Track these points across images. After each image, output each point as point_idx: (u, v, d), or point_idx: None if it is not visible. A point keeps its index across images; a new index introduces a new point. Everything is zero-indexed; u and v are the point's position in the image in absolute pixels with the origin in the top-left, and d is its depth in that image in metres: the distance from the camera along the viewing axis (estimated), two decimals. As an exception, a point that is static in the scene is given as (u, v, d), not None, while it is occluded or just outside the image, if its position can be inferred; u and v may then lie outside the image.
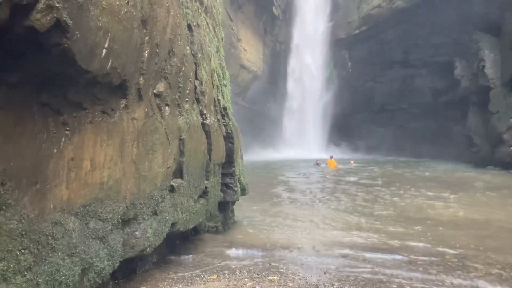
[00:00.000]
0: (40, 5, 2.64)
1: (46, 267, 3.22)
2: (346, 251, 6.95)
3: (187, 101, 6.12)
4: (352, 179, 19.26)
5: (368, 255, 6.68)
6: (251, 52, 39.44)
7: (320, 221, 9.68)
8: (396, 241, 7.67)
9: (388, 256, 6.60)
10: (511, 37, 23.58)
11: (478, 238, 7.86)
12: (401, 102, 40.64)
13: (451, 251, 6.88)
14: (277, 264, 6.06)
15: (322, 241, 7.75)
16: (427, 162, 30.43)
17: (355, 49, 43.30)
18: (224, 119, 8.19)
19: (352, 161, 28.86)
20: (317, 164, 27.35)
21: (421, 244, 7.38)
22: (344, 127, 44.39)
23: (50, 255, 3.27)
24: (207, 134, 6.88)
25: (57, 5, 2.76)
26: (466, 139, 28.63)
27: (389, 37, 39.40)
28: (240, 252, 6.73)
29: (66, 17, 2.86)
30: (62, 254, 3.40)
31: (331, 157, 28.02)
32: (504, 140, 23.23)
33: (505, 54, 24.47)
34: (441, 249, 7.04)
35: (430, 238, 7.89)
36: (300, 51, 46.53)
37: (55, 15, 2.76)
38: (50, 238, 3.30)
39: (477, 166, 25.19)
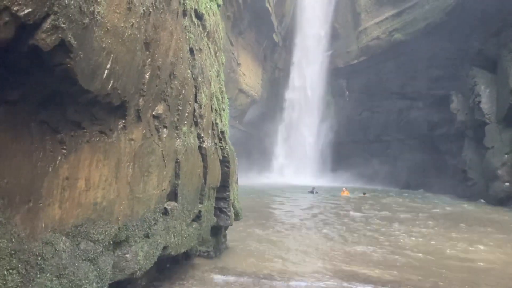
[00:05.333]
0: (46, 25, 2.66)
1: (33, 288, 3.14)
2: (340, 283, 6.86)
3: (185, 123, 6.12)
4: (350, 209, 19.17)
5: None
6: (250, 77, 39.76)
7: (313, 250, 9.58)
8: (390, 274, 7.58)
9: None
10: (506, 74, 23.90)
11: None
12: (397, 133, 40.80)
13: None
14: (268, 293, 5.96)
15: (315, 271, 7.65)
16: (421, 195, 30.41)
17: (353, 79, 43.75)
18: (221, 143, 8.18)
19: (364, 193, 28.06)
20: (312, 192, 27.26)
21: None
22: (339, 155, 44.41)
23: (38, 276, 3.20)
24: (204, 157, 6.86)
25: (63, 25, 2.77)
26: (461, 173, 28.66)
27: (387, 68, 39.87)
28: (231, 279, 6.62)
29: (70, 38, 2.88)
30: (50, 275, 3.33)
31: (345, 188, 28.91)
32: (498, 176, 23.27)
33: (501, 90, 24.76)
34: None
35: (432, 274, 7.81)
36: (299, 78, 46.98)
37: (60, 35, 2.77)
38: (39, 258, 3.23)
39: (471, 200, 25.17)
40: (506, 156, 23.35)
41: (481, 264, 8.72)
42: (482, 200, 24.18)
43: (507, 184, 22.90)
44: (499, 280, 7.43)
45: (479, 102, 26.32)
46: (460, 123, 30.00)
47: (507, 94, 23.60)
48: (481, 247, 10.45)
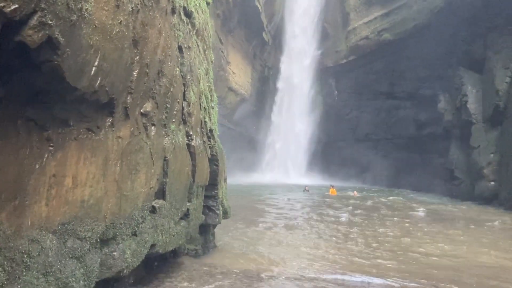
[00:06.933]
0: (33, 22, 2.65)
1: (19, 286, 3.12)
2: (328, 281, 6.92)
3: (173, 121, 6.11)
4: (338, 207, 19.28)
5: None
6: (240, 75, 39.74)
7: (301, 249, 9.63)
8: (377, 270, 7.66)
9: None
10: (493, 74, 24.22)
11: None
12: (385, 133, 41.12)
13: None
14: (255, 291, 5.99)
15: (302, 269, 7.69)
16: (408, 194, 30.67)
17: (342, 78, 43.96)
18: (210, 141, 8.18)
19: (355, 191, 28.37)
20: (306, 190, 27.40)
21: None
22: (328, 154, 44.64)
23: (24, 273, 3.19)
24: (192, 155, 6.86)
25: (50, 22, 2.76)
26: (447, 172, 28.97)
27: (376, 68, 40.15)
28: (219, 277, 6.63)
29: (58, 35, 2.87)
30: (36, 273, 3.31)
31: (332, 186, 28.52)
32: (484, 175, 23.58)
33: (487, 90, 25.09)
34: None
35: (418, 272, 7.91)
36: (288, 77, 47.06)
37: (47, 32, 2.76)
38: (25, 256, 3.22)
39: (457, 199, 25.46)
40: (492, 155, 23.66)
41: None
42: (468, 202, 24.29)
43: (492, 183, 23.21)
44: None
45: (466, 102, 26.63)
46: (447, 122, 30.31)
47: (493, 95, 23.92)
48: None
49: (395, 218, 15.37)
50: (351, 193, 27.23)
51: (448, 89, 30.76)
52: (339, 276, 7.15)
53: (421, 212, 17.88)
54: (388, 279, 7.07)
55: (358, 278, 7.12)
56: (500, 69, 23.81)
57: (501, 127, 23.47)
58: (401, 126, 39.30)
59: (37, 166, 3.36)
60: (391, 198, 25.18)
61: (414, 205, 21.06)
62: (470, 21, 27.29)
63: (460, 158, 27.49)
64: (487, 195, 23.18)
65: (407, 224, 13.92)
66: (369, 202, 21.79)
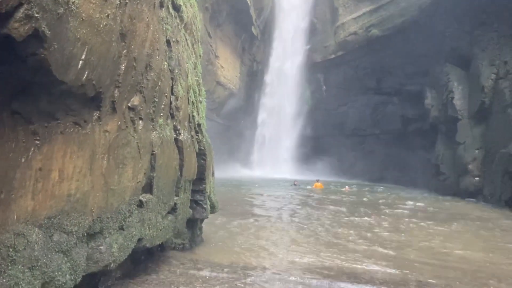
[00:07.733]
0: (19, 15, 2.63)
1: (4, 280, 3.11)
2: (315, 276, 6.97)
3: (161, 116, 6.10)
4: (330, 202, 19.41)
5: (338, 283, 6.72)
6: (228, 70, 39.66)
7: (289, 243, 9.69)
8: (366, 268, 7.75)
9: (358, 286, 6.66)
10: (478, 71, 24.49)
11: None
12: (373, 128, 41.40)
13: (413, 277, 7.00)
14: (243, 286, 6.03)
15: (289, 264, 7.75)
16: (394, 188, 30.97)
17: (330, 73, 44.09)
18: (198, 136, 8.18)
19: (346, 186, 28.53)
20: (295, 185, 27.55)
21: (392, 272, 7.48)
22: (315, 149, 44.86)
23: (9, 267, 3.17)
24: (180, 150, 6.85)
25: (36, 15, 2.74)
26: (433, 168, 29.29)
27: (364, 63, 40.33)
28: (206, 271, 6.66)
29: (44, 28, 2.85)
30: (22, 267, 3.30)
31: (318, 180, 28.66)
32: (469, 170, 23.91)
33: (473, 87, 25.37)
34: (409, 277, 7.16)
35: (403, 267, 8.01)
36: (277, 72, 47.10)
37: (33, 24, 2.74)
38: (11, 250, 3.20)
39: (443, 194, 25.79)
40: (477, 151, 23.99)
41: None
42: (453, 196, 24.53)
43: (477, 178, 23.56)
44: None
45: (452, 98, 26.89)
46: (433, 118, 30.59)
47: (479, 91, 24.20)
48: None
49: (382, 216, 15.51)
50: (342, 188, 27.41)
51: (434, 85, 31.02)
52: (331, 283, 7.19)
53: (408, 207, 18.06)
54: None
55: (355, 286, 7.05)
56: (486, 66, 24.07)
57: (486, 123, 23.79)
58: (388, 121, 39.60)
59: (23, 160, 3.34)
60: (377, 193, 25.42)
61: (402, 200, 21.30)
62: (457, 18, 27.53)
63: (446, 154, 27.79)
64: (472, 190, 23.53)
65: (397, 221, 14.03)
66: (357, 198, 21.97)
